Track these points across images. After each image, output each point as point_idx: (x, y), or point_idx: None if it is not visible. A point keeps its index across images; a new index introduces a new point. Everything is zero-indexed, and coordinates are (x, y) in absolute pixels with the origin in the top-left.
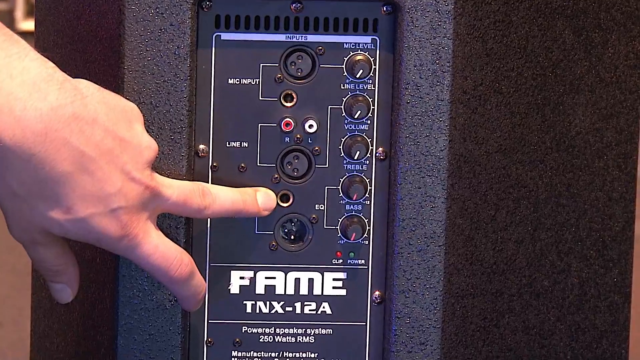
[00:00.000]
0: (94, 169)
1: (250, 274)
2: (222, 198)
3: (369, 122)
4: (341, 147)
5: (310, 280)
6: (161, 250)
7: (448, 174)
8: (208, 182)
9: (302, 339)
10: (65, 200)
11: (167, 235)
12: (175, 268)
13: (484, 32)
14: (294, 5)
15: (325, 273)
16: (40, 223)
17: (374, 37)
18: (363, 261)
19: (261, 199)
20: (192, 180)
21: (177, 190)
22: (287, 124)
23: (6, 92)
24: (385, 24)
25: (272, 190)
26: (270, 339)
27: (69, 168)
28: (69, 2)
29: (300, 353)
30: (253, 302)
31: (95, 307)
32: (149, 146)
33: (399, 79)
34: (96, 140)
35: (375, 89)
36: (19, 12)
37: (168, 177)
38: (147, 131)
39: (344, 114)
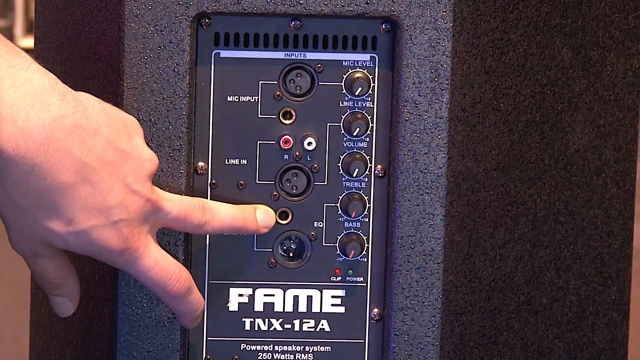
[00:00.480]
0: (96, 181)
1: (249, 291)
2: (222, 215)
3: (367, 139)
4: (340, 164)
5: (309, 298)
6: (160, 264)
7: (447, 191)
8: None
9: (301, 356)
10: (66, 212)
11: (166, 251)
12: (174, 283)
13: (483, 50)
14: (293, 22)
15: (324, 290)
16: (42, 235)
17: (373, 54)
18: (362, 278)
19: (260, 216)
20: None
21: (178, 205)
22: (286, 142)
23: (9, 102)
24: (384, 42)
25: (271, 208)
26: (269, 356)
27: (70, 179)
28: (69, 20)
29: None
30: (252, 319)
31: (94, 323)
32: (149, 159)
33: (397, 97)
34: (98, 152)
35: (374, 107)
36: (18, 29)
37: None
38: None
39: (342, 131)
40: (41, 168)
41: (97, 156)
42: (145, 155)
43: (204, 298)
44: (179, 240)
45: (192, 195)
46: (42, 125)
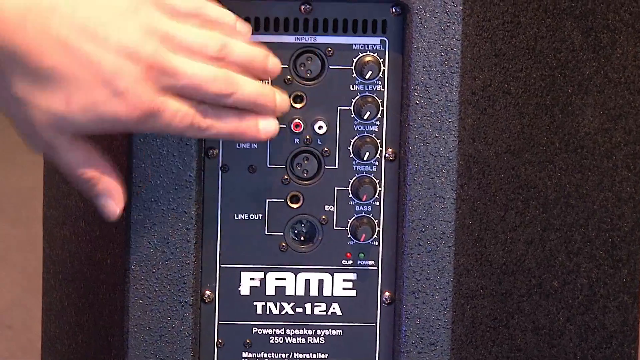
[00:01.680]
0: (82, 56)
1: (261, 275)
2: (247, 87)
3: (378, 123)
4: (350, 148)
5: (320, 281)
6: (181, 112)
7: (457, 174)
8: (218, 184)
9: (312, 340)
10: (61, 92)
11: (175, 235)
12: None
13: (493, 33)
14: (303, 6)
15: (335, 274)
16: (48, 122)
17: (383, 38)
18: (373, 262)
19: (279, 99)
20: (202, 184)
21: (193, 69)
22: (297, 125)
23: None
24: (394, 25)
25: (282, 192)
26: (281, 340)
27: (55, 58)
28: None
29: (311, 354)
30: (263, 303)
31: (106, 308)
32: (149, 11)
33: (408, 80)
34: (78, 27)
35: (384, 90)
36: None
37: (176, 180)
38: None
39: (353, 115)
40: (21, 52)
41: (78, 31)
42: (138, 18)
43: (216, 282)
44: (190, 225)
45: (203, 179)
46: (17, 9)
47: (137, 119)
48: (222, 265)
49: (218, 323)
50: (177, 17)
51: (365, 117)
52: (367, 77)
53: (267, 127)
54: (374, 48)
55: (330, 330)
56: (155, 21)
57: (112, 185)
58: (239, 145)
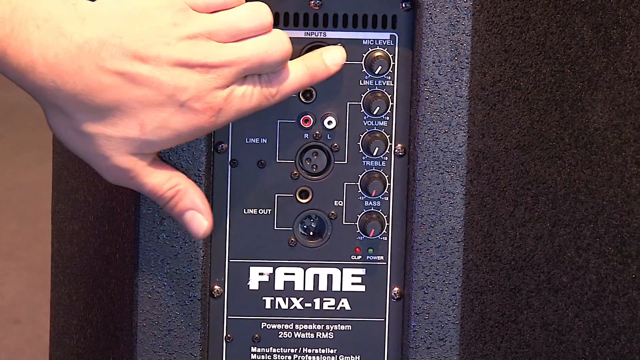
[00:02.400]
0: (141, 80)
1: (270, 270)
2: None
3: (387, 118)
4: (360, 143)
5: (329, 276)
6: (249, 91)
7: (467, 170)
8: (227, 179)
9: (321, 335)
10: (132, 119)
11: (184, 232)
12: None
13: (503, 29)
14: (313, 1)
15: (344, 269)
16: (127, 150)
17: (393, 33)
18: (382, 257)
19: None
20: (211, 179)
21: (248, 51)
22: (306, 120)
23: (37, 43)
24: (404, 20)
25: (291, 186)
26: (290, 334)
27: (116, 91)
28: None
29: (319, 349)
30: (272, 298)
31: (115, 303)
32: (186, 20)
33: (417, 75)
34: (129, 54)
35: (394, 85)
36: None
37: (185, 174)
38: None
39: (362, 110)
40: (84, 94)
41: (131, 58)
42: (178, 30)
43: (225, 277)
44: None
45: (213, 174)
46: (70, 57)
47: (210, 119)
48: (231, 260)
49: (227, 318)
50: (212, 8)
51: (374, 113)
52: (376, 72)
53: (334, 57)
54: (384, 43)
55: (339, 325)
56: (195, 24)
57: (197, 198)
58: (248, 140)
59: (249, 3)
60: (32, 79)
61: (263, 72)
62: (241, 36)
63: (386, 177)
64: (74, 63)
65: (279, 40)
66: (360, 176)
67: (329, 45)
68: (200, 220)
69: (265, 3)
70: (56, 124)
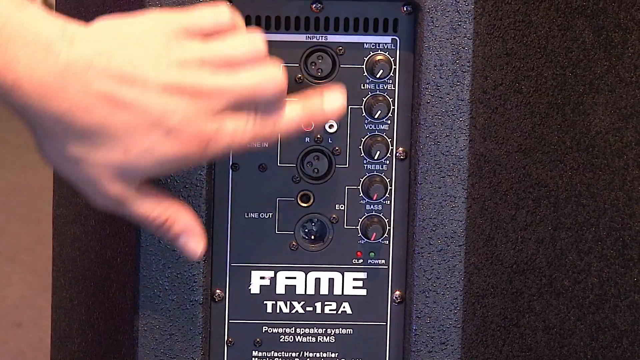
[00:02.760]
0: (127, 104)
1: (271, 274)
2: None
3: (389, 122)
4: (361, 147)
5: (331, 280)
6: (242, 127)
7: (468, 173)
8: (228, 183)
9: (323, 339)
10: (116, 144)
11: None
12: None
13: (504, 32)
14: (314, 5)
15: (345, 273)
16: (111, 176)
17: (394, 37)
18: (383, 261)
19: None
20: (212, 183)
21: (241, 81)
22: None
23: (24, 63)
24: (406, 24)
25: (293, 190)
26: (291, 338)
27: (101, 113)
28: (89, 4)
29: (321, 353)
30: (273, 302)
31: (116, 307)
32: (181, 47)
33: (419, 79)
34: (116, 77)
35: (395, 89)
36: None
37: (186, 179)
38: None
39: (364, 113)
40: (68, 115)
41: (117, 81)
42: (163, 44)
43: (226, 281)
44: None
45: (214, 178)
46: (55, 76)
47: (197, 150)
48: (232, 264)
49: (228, 322)
50: (207, 36)
51: (376, 116)
52: (378, 76)
53: (333, 103)
54: (385, 47)
55: (340, 329)
56: (188, 50)
57: (190, 222)
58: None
59: (244, 33)
60: (18, 96)
61: (258, 107)
62: (234, 66)
63: (387, 180)
64: (59, 83)
65: (273, 74)
66: (362, 180)
67: (330, 48)
68: (194, 244)
69: (267, 7)
70: (43, 147)
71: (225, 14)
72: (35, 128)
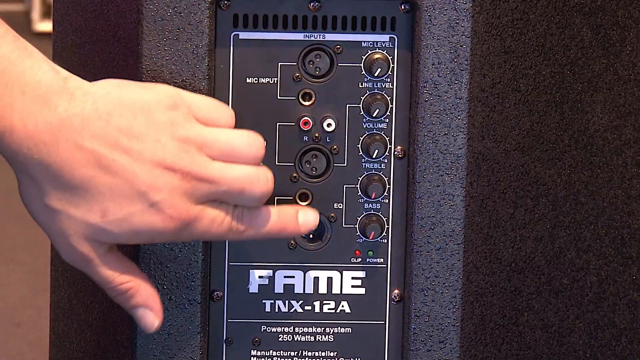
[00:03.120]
0: (117, 169)
1: (270, 272)
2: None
3: (387, 120)
4: (359, 145)
5: (329, 279)
6: (221, 218)
7: (467, 172)
8: None
9: (321, 338)
10: (96, 204)
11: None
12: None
13: (502, 30)
14: (312, 3)
15: (344, 272)
16: (83, 234)
17: (392, 35)
18: (382, 260)
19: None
20: None
21: (234, 174)
22: (306, 123)
23: (19, 109)
24: (403, 23)
25: (291, 189)
26: (290, 338)
27: (89, 172)
28: (87, 2)
29: (319, 352)
30: (272, 301)
31: (114, 306)
32: (181, 131)
33: (417, 77)
34: (112, 141)
35: (393, 88)
36: (36, 13)
37: None
38: None
39: (362, 112)
40: (55, 167)
41: (112, 145)
42: (173, 130)
43: (224, 280)
44: None
45: None
46: (49, 128)
47: (174, 229)
48: (230, 264)
49: (227, 321)
50: (213, 124)
51: (374, 115)
52: (376, 74)
53: (307, 218)
54: (383, 45)
55: (339, 328)
56: (192, 131)
57: (151, 296)
58: None
59: (248, 131)
60: (8, 142)
61: (239, 203)
62: (232, 159)
63: (386, 179)
64: (52, 135)
65: (265, 177)
66: (360, 179)
67: (328, 47)
68: (151, 318)
69: (265, 5)
70: (25, 192)
71: (231, 113)
72: (22, 173)
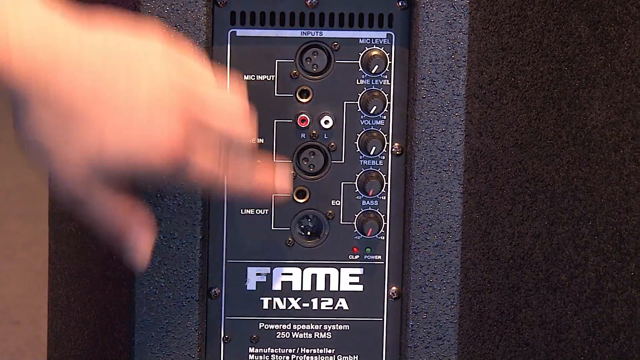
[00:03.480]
0: (113, 106)
1: (267, 270)
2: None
3: (384, 117)
4: (357, 142)
5: (327, 276)
6: (210, 161)
7: (464, 168)
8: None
9: (319, 335)
10: (95, 134)
11: (182, 231)
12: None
13: (500, 27)
14: (309, 0)
15: (341, 269)
16: (81, 162)
17: (390, 32)
18: (380, 257)
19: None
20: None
21: (226, 101)
22: (303, 120)
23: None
24: (401, 19)
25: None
26: (287, 335)
27: (88, 104)
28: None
29: (317, 349)
30: (270, 299)
31: (112, 304)
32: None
33: (414, 74)
34: (108, 78)
35: (390, 84)
36: None
37: (184, 182)
38: None
39: (359, 109)
40: (56, 90)
41: (110, 84)
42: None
43: (222, 277)
44: (196, 220)
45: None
46: (49, 50)
47: (168, 164)
48: (228, 261)
49: (224, 318)
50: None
51: (371, 112)
52: (373, 71)
53: (284, 179)
54: (381, 42)
55: (337, 325)
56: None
57: (145, 234)
58: None
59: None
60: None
61: (229, 148)
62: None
63: (383, 176)
64: (52, 55)
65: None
66: (358, 175)
67: (325, 44)
68: (142, 255)
69: (262, 2)
70: (26, 118)
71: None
72: (22, 99)
